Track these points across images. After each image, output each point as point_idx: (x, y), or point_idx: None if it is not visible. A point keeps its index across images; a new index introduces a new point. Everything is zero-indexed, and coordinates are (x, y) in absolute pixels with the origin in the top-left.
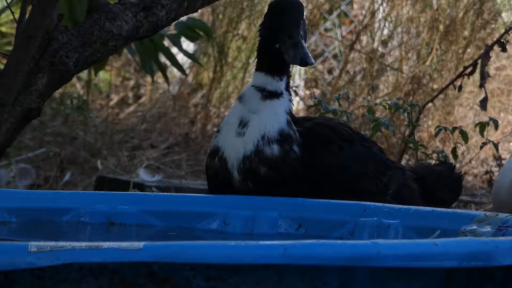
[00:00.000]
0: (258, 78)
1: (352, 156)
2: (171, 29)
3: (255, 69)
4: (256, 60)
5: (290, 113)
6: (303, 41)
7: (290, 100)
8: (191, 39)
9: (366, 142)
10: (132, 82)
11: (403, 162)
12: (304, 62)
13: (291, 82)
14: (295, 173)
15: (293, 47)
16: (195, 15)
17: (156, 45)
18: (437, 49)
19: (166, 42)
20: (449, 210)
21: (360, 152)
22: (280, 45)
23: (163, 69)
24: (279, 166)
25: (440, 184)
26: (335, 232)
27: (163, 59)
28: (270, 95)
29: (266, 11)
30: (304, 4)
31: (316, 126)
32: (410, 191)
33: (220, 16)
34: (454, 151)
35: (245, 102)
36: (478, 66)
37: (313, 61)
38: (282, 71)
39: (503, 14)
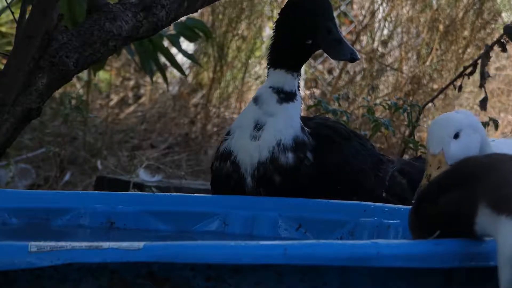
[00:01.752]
0: (276, 77)
1: (352, 153)
2: (170, 30)
3: (272, 66)
4: (270, 57)
5: (301, 117)
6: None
7: (301, 103)
8: (190, 39)
9: (360, 139)
10: (132, 82)
11: None
12: (352, 58)
13: None
14: (309, 180)
15: (337, 43)
16: (194, 15)
17: (155, 46)
18: (437, 49)
19: (166, 43)
20: None
21: (357, 149)
22: (318, 41)
23: (162, 69)
24: (293, 175)
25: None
26: (335, 232)
27: (163, 59)
28: (286, 97)
29: (286, 6)
30: None
31: (319, 127)
32: (399, 183)
33: (220, 16)
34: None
35: (261, 104)
36: (478, 66)
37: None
38: (299, 68)
39: (503, 14)
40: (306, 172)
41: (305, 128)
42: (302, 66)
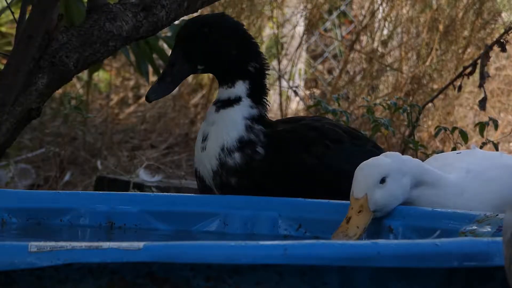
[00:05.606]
0: (218, 93)
1: (338, 155)
2: (165, 32)
3: None
4: None
5: (252, 118)
6: None
7: (251, 106)
8: None
9: (358, 140)
10: (132, 82)
11: None
12: (146, 97)
13: (290, 82)
14: (264, 173)
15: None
16: (194, 15)
17: (151, 47)
18: (437, 49)
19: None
20: (449, 210)
21: (349, 151)
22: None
23: (158, 71)
24: (245, 172)
25: None
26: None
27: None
28: (224, 104)
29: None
30: (304, 4)
31: (300, 127)
32: None
33: None
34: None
35: (206, 118)
36: (478, 66)
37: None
38: (234, 78)
39: (503, 14)
40: (257, 166)
41: (266, 128)
42: (232, 77)
